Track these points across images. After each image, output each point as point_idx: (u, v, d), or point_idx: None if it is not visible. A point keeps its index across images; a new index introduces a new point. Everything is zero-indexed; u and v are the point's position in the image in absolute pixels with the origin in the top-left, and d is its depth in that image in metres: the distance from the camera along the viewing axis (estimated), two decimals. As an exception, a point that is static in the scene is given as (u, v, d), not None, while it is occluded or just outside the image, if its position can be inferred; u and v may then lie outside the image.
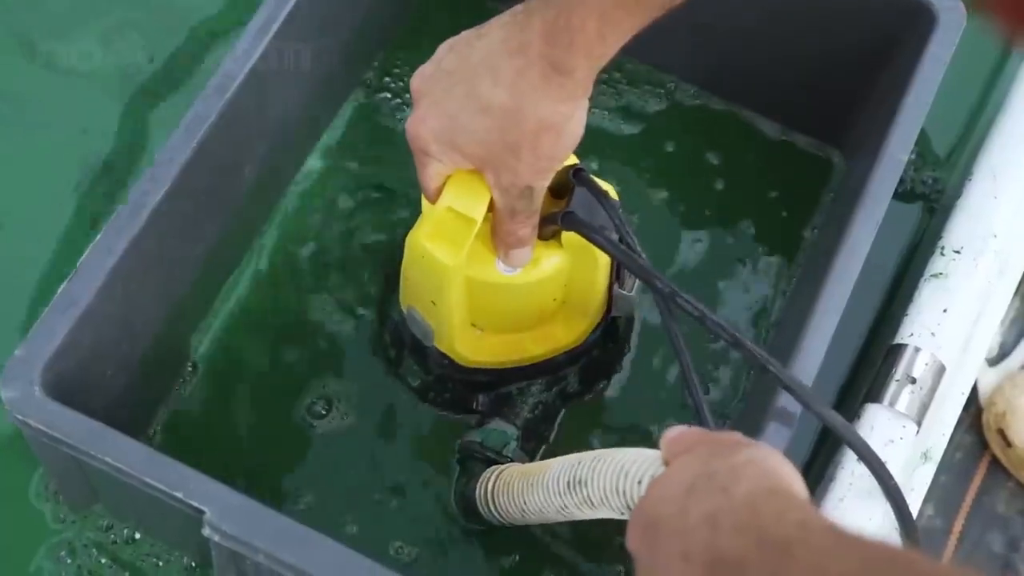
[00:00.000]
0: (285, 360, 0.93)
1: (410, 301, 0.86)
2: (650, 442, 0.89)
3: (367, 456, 0.90)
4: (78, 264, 0.76)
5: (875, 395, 0.81)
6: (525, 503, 0.77)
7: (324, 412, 0.91)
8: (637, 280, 0.85)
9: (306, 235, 0.97)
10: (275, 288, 0.95)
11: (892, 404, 0.81)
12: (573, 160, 0.80)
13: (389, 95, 1.03)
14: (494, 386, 0.90)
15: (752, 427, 0.79)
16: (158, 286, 0.83)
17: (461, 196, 0.76)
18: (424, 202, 0.80)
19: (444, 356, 0.87)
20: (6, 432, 0.89)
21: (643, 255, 0.78)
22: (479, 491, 0.83)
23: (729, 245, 1.00)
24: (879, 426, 0.80)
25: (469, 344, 0.87)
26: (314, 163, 1.00)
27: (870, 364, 0.89)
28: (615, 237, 0.79)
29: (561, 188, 0.79)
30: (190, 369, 0.91)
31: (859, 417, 0.81)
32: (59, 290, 0.75)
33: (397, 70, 1.03)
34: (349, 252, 0.97)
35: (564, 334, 0.88)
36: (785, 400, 0.75)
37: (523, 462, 0.85)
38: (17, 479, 0.89)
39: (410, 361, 0.91)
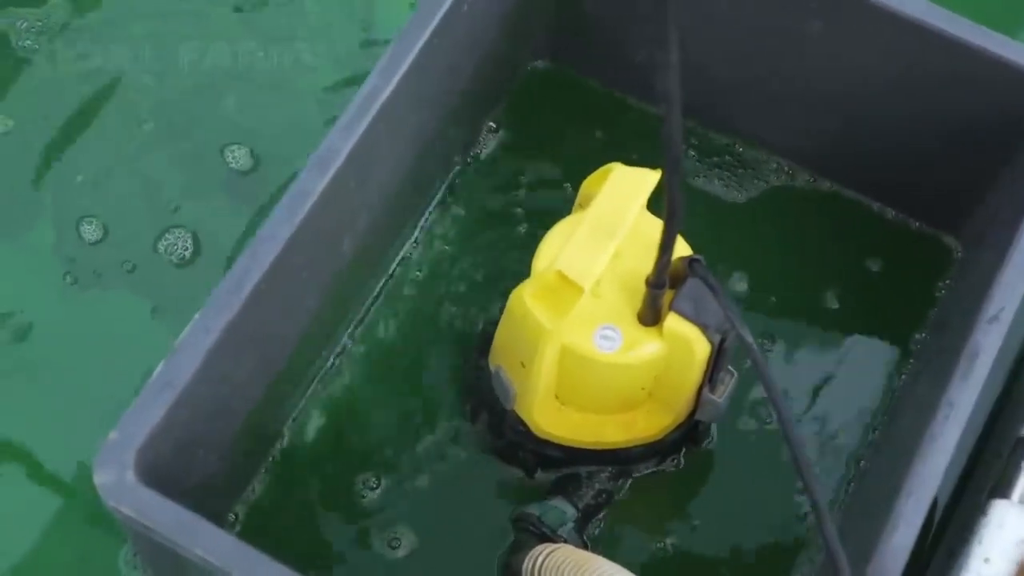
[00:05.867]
0: (374, 434, 0.91)
1: (499, 360, 0.86)
2: (716, 529, 0.89)
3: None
4: (175, 344, 0.74)
5: (1003, 491, 0.78)
6: None
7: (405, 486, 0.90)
8: (728, 388, 0.83)
9: (405, 307, 0.96)
10: (370, 363, 0.94)
11: (1023, 501, 0.77)
12: (688, 250, 0.78)
13: (493, 165, 1.02)
14: (562, 464, 0.89)
15: (865, 519, 0.77)
16: (254, 365, 0.81)
17: (573, 263, 0.76)
18: (535, 262, 0.81)
19: (520, 422, 0.86)
20: (98, 498, 0.88)
21: (755, 346, 0.75)
22: (527, 564, 0.81)
23: (837, 331, 0.97)
24: (1009, 524, 0.76)
25: (548, 415, 0.85)
26: (417, 232, 0.98)
27: (993, 452, 0.85)
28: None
29: (675, 278, 0.77)
30: (280, 448, 0.90)
31: (985, 514, 0.77)
32: (156, 371, 0.73)
33: (501, 139, 1.02)
34: (451, 321, 0.95)
35: (645, 426, 0.86)
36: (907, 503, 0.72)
37: (577, 546, 0.83)
38: (107, 547, 0.88)
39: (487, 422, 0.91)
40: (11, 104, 1.03)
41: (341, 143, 0.80)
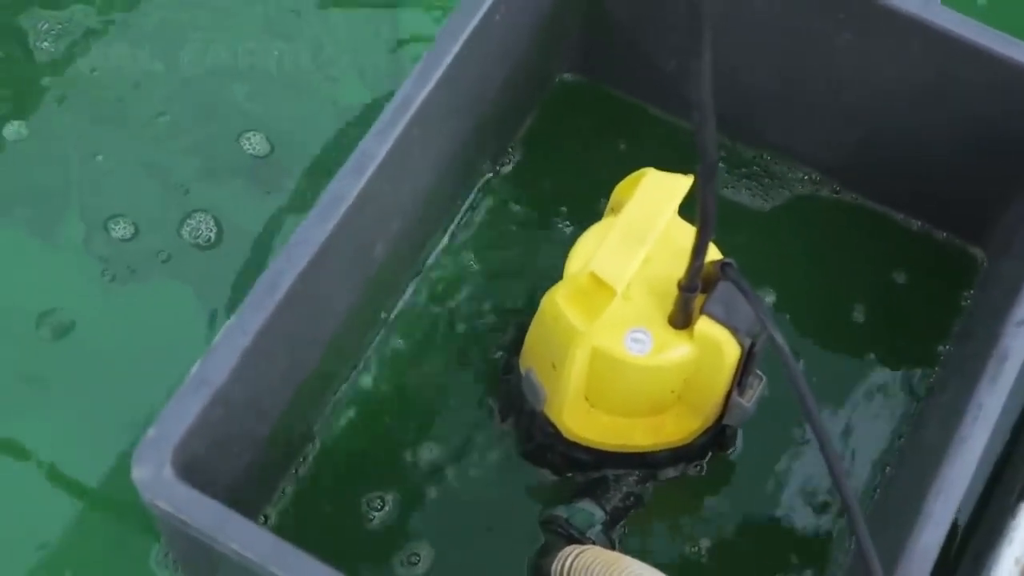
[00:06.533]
0: (403, 437, 0.92)
1: (530, 362, 0.86)
2: (742, 533, 0.90)
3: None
4: (212, 344, 0.75)
5: (1033, 494, 0.78)
6: None
7: (433, 487, 0.91)
8: (757, 392, 0.84)
9: (433, 312, 0.96)
10: (398, 367, 0.94)
11: (1053, 503, 0.77)
12: (719, 254, 0.78)
13: (522, 173, 1.02)
14: (591, 467, 0.89)
15: (891, 524, 0.77)
16: (287, 365, 0.82)
17: (607, 265, 0.77)
18: (567, 265, 0.82)
19: (550, 424, 0.87)
20: (132, 496, 0.89)
21: (787, 347, 0.76)
22: (555, 566, 0.82)
23: (862, 342, 0.97)
24: (1041, 528, 0.77)
25: (578, 418, 0.86)
26: (446, 238, 0.99)
27: (1022, 456, 0.85)
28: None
29: (706, 281, 0.78)
30: (311, 448, 0.91)
31: (1015, 516, 0.77)
32: (192, 369, 0.74)
33: (530, 148, 1.03)
34: (477, 327, 0.96)
35: (673, 429, 0.87)
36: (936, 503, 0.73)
37: (605, 547, 0.84)
38: (139, 545, 0.89)
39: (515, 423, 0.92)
40: (30, 106, 1.05)
41: (376, 148, 0.81)
